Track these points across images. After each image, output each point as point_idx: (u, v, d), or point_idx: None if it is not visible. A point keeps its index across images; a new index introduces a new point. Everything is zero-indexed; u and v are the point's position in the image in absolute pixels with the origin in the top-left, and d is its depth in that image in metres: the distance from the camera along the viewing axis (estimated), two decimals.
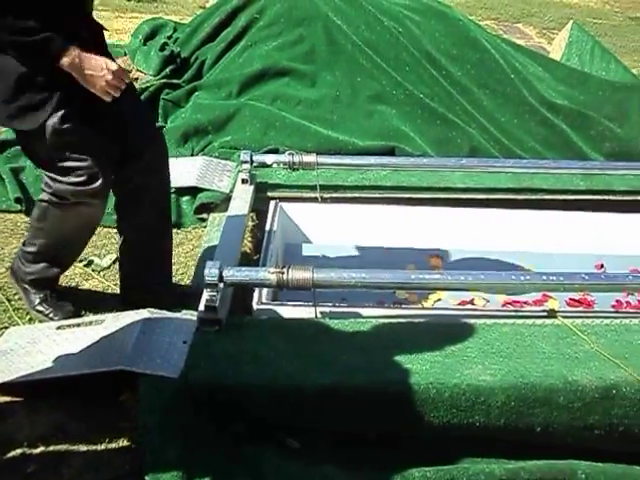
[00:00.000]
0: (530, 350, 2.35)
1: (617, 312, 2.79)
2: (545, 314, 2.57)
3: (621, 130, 4.40)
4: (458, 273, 2.48)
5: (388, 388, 2.18)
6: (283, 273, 2.38)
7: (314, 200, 3.47)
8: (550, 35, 7.63)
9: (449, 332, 2.43)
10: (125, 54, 5.05)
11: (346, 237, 3.39)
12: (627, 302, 3.06)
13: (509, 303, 2.95)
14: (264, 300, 2.66)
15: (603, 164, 3.85)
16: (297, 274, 2.38)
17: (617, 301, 3.05)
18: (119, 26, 6.56)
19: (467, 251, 3.35)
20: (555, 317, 2.53)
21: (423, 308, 2.83)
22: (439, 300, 3.00)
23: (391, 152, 3.92)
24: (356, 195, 3.51)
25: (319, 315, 2.57)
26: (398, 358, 2.28)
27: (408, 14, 4.72)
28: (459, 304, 2.94)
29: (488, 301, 2.99)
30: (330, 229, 3.39)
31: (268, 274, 2.39)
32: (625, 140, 4.35)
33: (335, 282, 2.44)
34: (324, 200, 3.46)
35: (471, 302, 2.97)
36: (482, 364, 2.26)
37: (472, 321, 2.50)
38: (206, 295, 2.39)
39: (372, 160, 3.51)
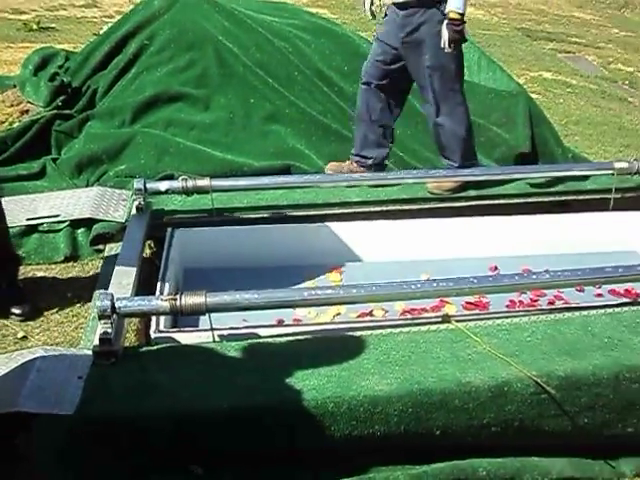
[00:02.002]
0: (425, 356, 2.40)
1: (509, 311, 2.85)
2: (440, 320, 2.63)
3: (509, 135, 4.55)
4: (351, 287, 2.53)
5: (286, 406, 2.19)
6: (176, 300, 2.37)
7: (211, 224, 3.46)
8: None
9: (345, 345, 2.46)
10: (15, 86, 4.94)
11: (245, 258, 3.39)
12: (520, 301, 3.15)
13: (407, 311, 3.00)
14: (162, 328, 2.64)
15: (491, 170, 3.96)
16: (190, 300, 2.37)
17: (511, 301, 3.14)
18: (8, 57, 6.41)
19: (366, 263, 3.41)
20: (449, 322, 2.59)
21: (322, 323, 2.84)
22: (338, 314, 3.03)
23: (287, 171, 3.96)
24: (252, 216, 3.51)
25: (217, 339, 2.56)
26: (295, 375, 2.29)
27: (298, 33, 4.78)
28: (359, 316, 2.97)
29: (387, 311, 3.03)
30: (229, 251, 3.39)
31: (161, 302, 2.38)
32: (514, 145, 4.50)
33: (229, 305, 2.44)
34: (221, 223, 3.45)
35: (370, 313, 3.00)
36: (378, 374, 2.30)
37: (368, 332, 2.54)
38: (100, 328, 2.35)
39: (266, 180, 3.53)
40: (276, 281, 3.23)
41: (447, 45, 3.48)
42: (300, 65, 4.51)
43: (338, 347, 2.45)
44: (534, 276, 2.64)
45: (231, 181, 3.50)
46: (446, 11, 3.47)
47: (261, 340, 2.52)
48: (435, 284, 2.52)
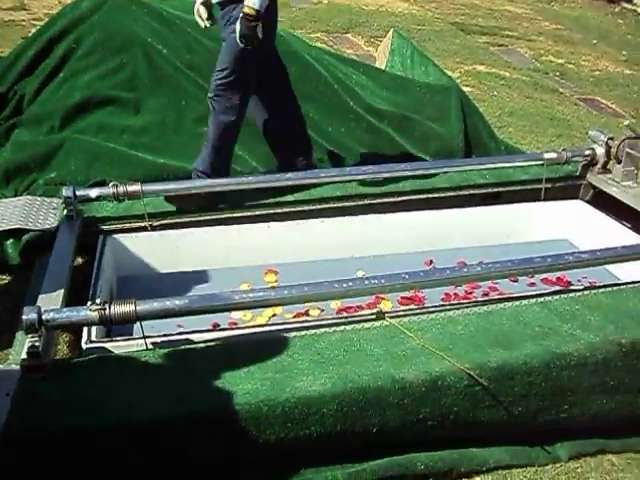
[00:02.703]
0: (359, 354, 2.40)
1: (444, 305, 2.87)
2: (374, 316, 2.63)
3: (443, 129, 4.58)
4: (282, 288, 2.52)
5: (220, 412, 2.17)
6: (105, 309, 2.33)
7: (144, 229, 3.41)
8: (378, 43, 7.86)
9: (280, 347, 2.45)
10: None
11: (180, 263, 3.35)
12: (455, 294, 3.18)
13: (343, 310, 3.00)
14: (94, 338, 2.59)
15: (424, 164, 3.98)
16: (119, 309, 2.33)
17: (446, 294, 3.17)
18: None
19: (302, 262, 3.40)
20: (383, 318, 2.60)
21: (258, 326, 2.82)
22: (274, 315, 3.02)
23: None
24: (186, 220, 3.47)
25: (150, 346, 2.52)
26: (229, 380, 2.28)
27: None
28: (294, 317, 2.96)
29: (323, 310, 3.03)
30: (163, 256, 3.35)
31: (90, 312, 2.33)
32: (447, 138, 4.52)
33: (159, 312, 2.41)
34: (154, 228, 3.40)
35: (306, 313, 3.00)
36: (312, 374, 2.29)
37: (303, 333, 2.53)
38: (28, 342, 2.30)
39: (197, 183, 3.48)
40: (212, 284, 3.22)
41: (238, 40, 3.35)
42: None
43: (272, 349, 2.44)
44: (465, 269, 2.67)
45: (162, 185, 3.45)
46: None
47: (195, 346, 2.50)
48: (367, 282, 2.53)
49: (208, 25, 3.67)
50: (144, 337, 2.49)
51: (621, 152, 3.74)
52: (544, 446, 2.66)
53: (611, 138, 3.82)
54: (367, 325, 2.57)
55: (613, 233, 3.58)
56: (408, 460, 2.38)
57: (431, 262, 3.43)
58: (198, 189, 3.47)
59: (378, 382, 2.27)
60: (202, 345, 2.48)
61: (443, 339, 2.48)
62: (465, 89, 6.93)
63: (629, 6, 11.37)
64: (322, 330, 2.54)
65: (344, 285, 2.50)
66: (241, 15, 3.32)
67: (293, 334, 2.52)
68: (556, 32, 9.63)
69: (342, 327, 2.56)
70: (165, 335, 2.61)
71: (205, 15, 3.62)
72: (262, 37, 3.35)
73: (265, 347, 2.46)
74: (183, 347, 2.47)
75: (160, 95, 4.27)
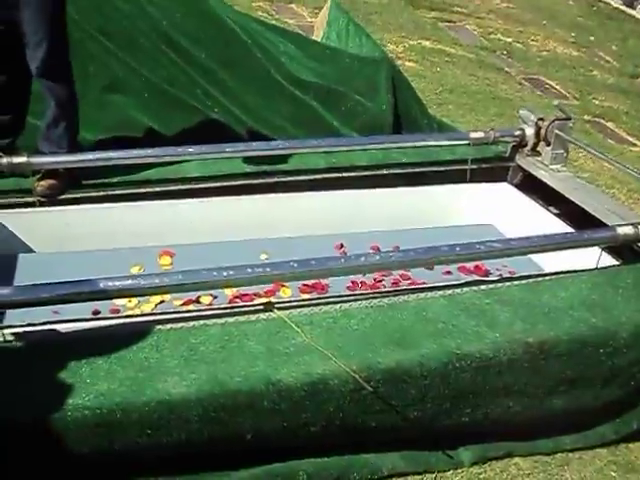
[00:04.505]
0: (237, 351, 2.15)
1: (348, 294, 2.62)
2: (262, 308, 2.38)
3: (372, 104, 4.33)
4: (155, 275, 2.25)
5: (60, 419, 1.89)
6: None
7: (32, 205, 3.10)
8: None
9: (150, 341, 2.18)
10: None
11: (70, 242, 3.07)
12: (362, 282, 2.95)
13: (238, 297, 2.75)
14: None
15: (339, 140, 3.72)
16: None
17: (352, 282, 2.93)
18: None
19: (202, 244, 3.13)
20: (271, 310, 2.35)
21: (140, 315, 2.55)
22: (162, 302, 2.75)
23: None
24: (80, 196, 3.17)
25: (10, 338, 2.23)
26: (86, 380, 2.01)
27: None
28: (183, 304, 2.70)
29: (216, 297, 2.77)
30: (49, 235, 3.05)
31: None
32: (376, 113, 4.28)
33: (20, 300, 2.12)
34: (42, 204, 3.10)
35: (197, 300, 2.74)
36: (179, 374, 2.04)
37: (180, 325, 2.27)
38: None
39: (90, 156, 3.18)
40: (101, 267, 2.92)
41: None
42: (146, 30, 4.14)
43: (142, 344, 2.17)
44: (362, 258, 2.42)
45: (52, 157, 3.13)
46: None
47: (58, 338, 2.22)
48: (250, 270, 2.27)
49: None
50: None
51: (550, 134, 3.52)
52: (446, 451, 2.46)
53: (541, 119, 3.60)
54: (252, 318, 2.31)
55: (539, 220, 3.38)
56: (289, 468, 2.16)
57: (342, 246, 3.19)
58: (92, 163, 3.17)
59: (251, 384, 2.02)
60: (66, 338, 2.20)
61: (333, 335, 2.24)
62: (407, 64, 6.75)
63: None
64: (201, 322, 2.28)
65: (224, 273, 2.23)
66: None
67: (169, 326, 2.26)
68: (507, 11, 9.42)
69: (224, 319, 2.30)
70: (30, 325, 2.32)
71: None
72: None
73: (134, 341, 2.18)
74: (44, 339, 2.19)
75: None
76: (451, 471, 2.49)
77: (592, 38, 9.17)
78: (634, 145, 6.18)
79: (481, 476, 2.53)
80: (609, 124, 6.55)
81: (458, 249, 2.50)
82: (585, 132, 6.23)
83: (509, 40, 8.23)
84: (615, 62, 8.47)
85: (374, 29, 7.47)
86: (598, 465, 2.70)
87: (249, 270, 2.26)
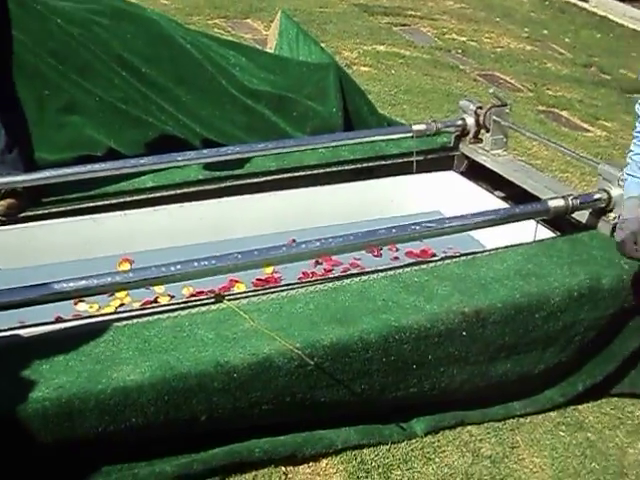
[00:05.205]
0: (187, 340, 2.29)
1: (300, 284, 2.76)
2: (213, 300, 2.52)
3: (322, 108, 4.48)
4: (107, 275, 2.38)
5: (22, 412, 2.02)
6: None
7: None
8: None
9: (106, 337, 2.31)
10: None
11: (32, 257, 3.19)
12: (313, 272, 3.09)
13: (194, 295, 2.88)
14: None
15: (285, 142, 3.86)
16: None
17: (304, 273, 3.07)
18: None
19: (160, 250, 3.26)
20: (222, 301, 2.49)
21: (100, 315, 2.68)
22: (122, 305, 2.88)
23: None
24: (40, 212, 3.30)
25: None
26: (45, 375, 2.13)
27: (96, 19, 4.53)
28: (143, 304, 2.83)
29: (173, 296, 2.91)
30: (15, 251, 3.18)
31: None
32: (327, 117, 4.42)
33: None
34: (3, 223, 3.23)
35: (155, 300, 2.87)
36: (134, 363, 2.18)
37: (135, 321, 2.40)
38: None
39: (47, 173, 3.31)
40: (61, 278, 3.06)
41: None
42: (97, 52, 4.28)
43: (98, 339, 2.30)
44: (303, 245, 2.57)
45: (7, 178, 3.26)
46: None
47: (20, 341, 2.35)
48: (196, 264, 2.42)
49: None
50: None
51: (488, 120, 3.69)
52: (399, 423, 2.60)
53: (480, 107, 3.76)
54: (203, 309, 2.45)
55: (483, 203, 3.53)
56: (245, 447, 2.29)
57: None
58: (48, 180, 3.30)
59: (200, 367, 2.16)
60: (26, 340, 2.33)
61: (279, 319, 2.38)
62: (362, 69, 6.92)
63: None
64: (156, 317, 2.42)
65: (172, 268, 2.38)
66: None
67: (124, 323, 2.39)
68: (460, 11, 9.64)
69: (177, 313, 2.44)
70: None
71: None
72: None
73: (92, 338, 2.31)
74: (6, 342, 2.31)
75: (20, 85, 4.05)
76: (405, 442, 2.62)
77: (545, 32, 9.40)
78: (587, 131, 6.35)
79: (434, 445, 2.66)
80: (563, 113, 6.73)
81: (394, 230, 2.65)
82: (540, 122, 6.42)
83: (463, 39, 8.43)
84: (568, 53, 8.69)
85: (329, 37, 7.66)
86: (548, 427, 2.85)
87: (195, 264, 2.40)
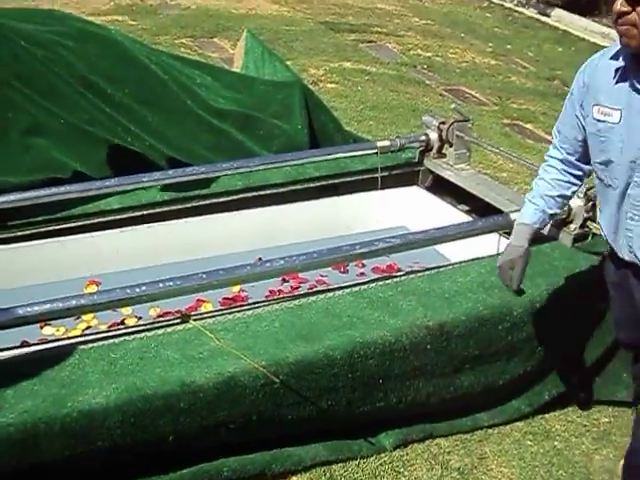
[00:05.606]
0: (153, 361, 2.30)
1: (267, 301, 2.77)
2: (179, 320, 2.53)
3: (288, 126, 4.51)
4: (72, 297, 2.38)
5: None
6: None
7: None
8: None
9: (72, 360, 2.32)
10: None
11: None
12: (279, 290, 3.11)
13: (161, 316, 2.89)
14: None
15: (250, 161, 3.88)
16: None
17: (270, 291, 3.09)
18: None
19: (127, 271, 3.26)
20: (187, 321, 2.50)
21: (66, 338, 2.68)
22: (88, 327, 2.88)
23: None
24: (4, 236, 3.29)
25: None
26: (10, 400, 2.13)
27: (61, 41, 4.53)
28: (110, 326, 2.83)
29: (140, 318, 2.91)
30: None
31: None
32: (292, 134, 4.45)
33: None
34: None
35: (122, 322, 2.87)
36: (99, 386, 2.18)
37: (100, 343, 2.41)
38: None
39: (12, 197, 3.30)
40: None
41: None
42: (63, 74, 4.27)
43: (64, 363, 2.30)
44: (267, 264, 2.59)
45: None
46: None
47: None
48: (161, 285, 2.42)
49: None
50: None
51: (451, 135, 3.75)
52: (367, 438, 2.62)
53: (443, 122, 3.82)
54: (169, 330, 2.46)
55: (447, 217, 3.57)
56: (214, 467, 2.30)
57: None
58: (12, 203, 3.30)
59: (166, 388, 2.17)
60: None
61: (245, 338, 2.40)
62: (329, 85, 6.98)
63: (497, 1, 11.62)
64: (121, 339, 2.42)
65: (137, 290, 2.39)
66: None
67: (90, 345, 2.39)
68: (426, 27, 9.75)
69: (143, 334, 2.44)
70: None
71: None
72: None
73: (57, 361, 2.31)
74: None
75: None
76: (374, 456, 2.65)
77: (509, 47, 9.54)
78: (551, 143, 6.43)
79: (403, 458, 2.69)
80: (528, 125, 6.85)
81: (358, 247, 2.68)
82: (505, 134, 6.52)
83: (429, 55, 8.53)
84: (532, 67, 8.82)
85: (296, 55, 7.72)
86: (516, 437, 2.89)
87: (160, 285, 2.41)
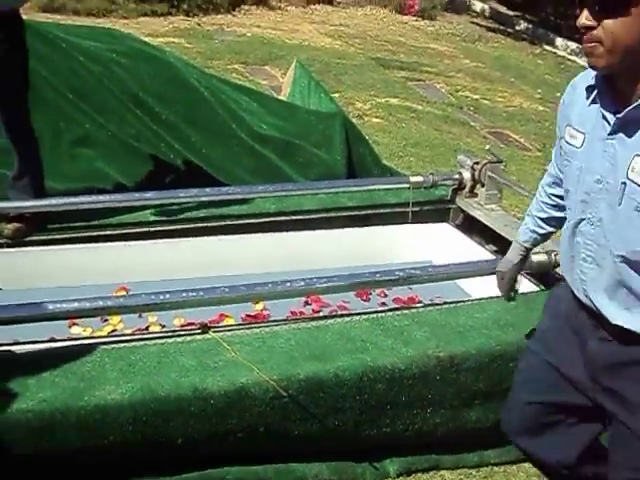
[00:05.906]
0: (170, 365, 2.39)
1: (283, 321, 2.86)
2: (199, 331, 2.63)
3: (328, 156, 4.64)
4: (100, 299, 2.50)
5: (7, 421, 2.13)
6: None
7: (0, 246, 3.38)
8: None
9: (93, 358, 2.42)
10: None
11: (35, 280, 3.32)
12: (301, 312, 3.19)
13: (186, 326, 2.99)
14: None
15: (287, 185, 4.00)
16: None
17: (292, 312, 3.17)
18: None
19: (154, 281, 3.36)
20: (207, 332, 2.60)
21: (90, 337, 2.81)
22: (114, 330, 3.00)
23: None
24: (45, 238, 3.45)
25: None
26: (31, 389, 2.24)
27: (116, 59, 4.74)
28: (134, 331, 2.94)
29: (164, 326, 3.02)
30: (19, 274, 3.32)
31: None
32: (331, 164, 4.58)
33: None
34: (10, 246, 3.38)
35: (147, 329, 2.98)
36: (117, 384, 2.28)
37: (122, 345, 2.51)
38: None
39: (54, 201, 3.47)
40: None
41: None
42: (115, 90, 4.48)
43: (85, 359, 2.41)
44: (288, 284, 2.68)
45: (16, 203, 3.42)
46: None
47: (10, 356, 2.46)
48: (185, 294, 2.52)
49: None
50: None
51: (484, 176, 3.81)
52: (372, 462, 2.66)
53: (477, 162, 3.89)
54: (189, 338, 2.56)
55: (473, 255, 3.63)
56: (218, 473, 2.37)
57: None
58: (55, 207, 3.46)
59: (179, 392, 2.26)
60: (16, 356, 2.44)
61: (260, 352, 2.48)
62: (374, 120, 7.10)
63: (550, 48, 11.70)
64: (142, 343, 2.53)
65: (160, 297, 2.50)
66: None
67: (112, 346, 2.50)
68: (476, 70, 9.85)
69: (164, 340, 2.55)
70: None
71: None
72: None
73: (79, 357, 2.43)
74: None
75: (37, 117, 4.25)
76: None
77: (558, 94, 9.51)
78: None
79: None
80: None
81: (378, 275, 2.75)
82: None
83: (476, 97, 8.61)
84: None
85: (344, 88, 7.88)
86: (522, 477, 2.89)
87: (184, 294, 2.52)
